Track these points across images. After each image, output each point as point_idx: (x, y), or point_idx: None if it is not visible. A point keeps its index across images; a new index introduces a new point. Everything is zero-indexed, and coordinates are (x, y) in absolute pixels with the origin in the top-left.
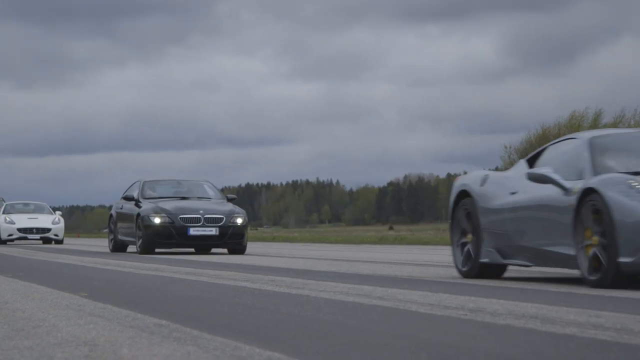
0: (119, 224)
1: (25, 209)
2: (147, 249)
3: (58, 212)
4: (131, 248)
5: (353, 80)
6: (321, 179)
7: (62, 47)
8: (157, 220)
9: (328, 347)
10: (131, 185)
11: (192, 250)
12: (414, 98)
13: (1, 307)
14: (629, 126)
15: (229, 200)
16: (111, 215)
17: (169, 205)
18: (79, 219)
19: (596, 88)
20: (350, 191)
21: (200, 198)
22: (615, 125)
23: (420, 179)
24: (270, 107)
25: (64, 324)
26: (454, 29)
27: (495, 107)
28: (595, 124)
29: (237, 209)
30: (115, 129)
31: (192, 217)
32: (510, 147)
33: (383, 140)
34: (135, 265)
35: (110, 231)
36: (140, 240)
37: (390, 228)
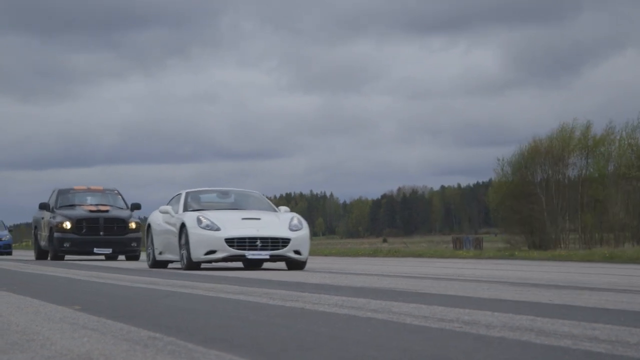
0: None
1: (222, 202)
2: None
3: (284, 208)
4: None
5: (353, 92)
6: (315, 192)
7: (61, 60)
8: None
9: None
10: None
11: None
12: (414, 110)
13: None
14: (620, 138)
15: None
16: None
17: None
18: None
19: (598, 101)
20: (344, 204)
21: None
22: (606, 136)
23: (414, 192)
24: (269, 120)
25: (58, 337)
26: (456, 41)
27: (496, 120)
28: (585, 136)
29: None
30: (114, 142)
31: None
32: (503, 160)
33: (380, 153)
34: (129, 279)
35: None
36: None
37: (384, 240)
